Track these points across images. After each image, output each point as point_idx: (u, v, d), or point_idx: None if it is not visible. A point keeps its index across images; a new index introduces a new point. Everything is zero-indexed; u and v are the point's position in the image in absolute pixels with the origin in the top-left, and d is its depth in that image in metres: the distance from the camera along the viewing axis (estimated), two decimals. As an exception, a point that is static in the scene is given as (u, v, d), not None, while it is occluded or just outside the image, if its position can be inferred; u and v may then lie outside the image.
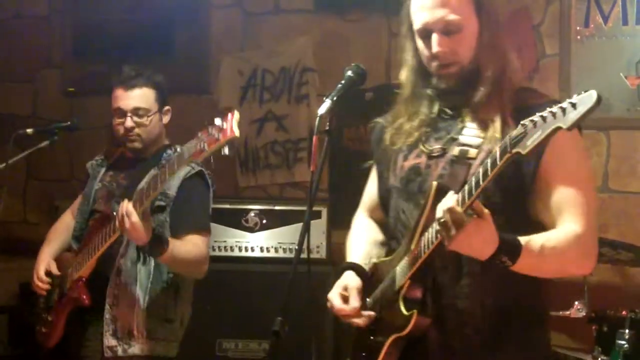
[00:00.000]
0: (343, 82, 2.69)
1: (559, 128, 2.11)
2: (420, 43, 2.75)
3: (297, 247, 2.73)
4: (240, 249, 5.54)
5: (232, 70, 6.44)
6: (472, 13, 2.70)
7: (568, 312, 4.21)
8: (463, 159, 2.66)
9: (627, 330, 4.02)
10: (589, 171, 2.77)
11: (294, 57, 6.18)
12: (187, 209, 4.08)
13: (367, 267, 2.98)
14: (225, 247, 5.53)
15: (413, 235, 2.70)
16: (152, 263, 4.05)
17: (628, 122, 5.42)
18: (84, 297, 4.05)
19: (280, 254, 5.49)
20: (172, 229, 4.04)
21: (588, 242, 2.63)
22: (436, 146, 2.78)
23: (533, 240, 2.50)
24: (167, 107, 4.25)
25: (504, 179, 2.48)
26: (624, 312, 4.07)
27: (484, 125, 2.68)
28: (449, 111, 2.81)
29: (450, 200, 2.39)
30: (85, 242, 4.13)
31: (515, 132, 2.23)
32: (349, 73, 2.72)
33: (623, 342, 4.06)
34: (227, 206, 5.57)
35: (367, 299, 2.90)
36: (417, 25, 2.73)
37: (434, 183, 2.65)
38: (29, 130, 4.66)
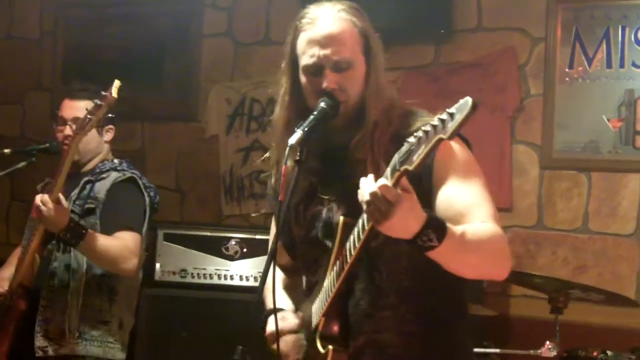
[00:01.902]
0: (315, 113, 2.62)
1: (440, 140, 2.11)
2: (305, 79, 2.71)
3: (261, 276, 2.68)
4: (219, 277, 5.51)
5: (220, 99, 6.46)
6: (361, 54, 2.70)
7: (539, 351, 4.20)
8: (354, 196, 2.55)
9: (598, 371, 4.03)
10: (481, 175, 2.69)
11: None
12: (115, 209, 4.20)
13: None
14: (204, 274, 5.50)
15: (325, 273, 2.68)
16: (85, 266, 4.15)
17: (610, 164, 5.44)
18: (20, 302, 4.16)
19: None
20: (102, 230, 4.14)
21: (504, 240, 2.57)
22: (330, 190, 2.76)
23: (455, 226, 2.40)
24: (110, 126, 4.36)
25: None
26: (595, 353, 4.07)
27: (372, 162, 2.63)
28: (335, 151, 2.76)
29: (378, 180, 2.30)
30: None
31: (402, 150, 2.23)
32: (322, 104, 2.64)
33: (593, 383, 4.08)
34: (208, 233, 5.58)
35: None
36: (305, 61, 2.68)
37: (342, 218, 2.64)
38: (7, 151, 4.73)
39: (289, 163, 2.59)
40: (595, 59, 5.48)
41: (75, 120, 4.15)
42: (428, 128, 2.16)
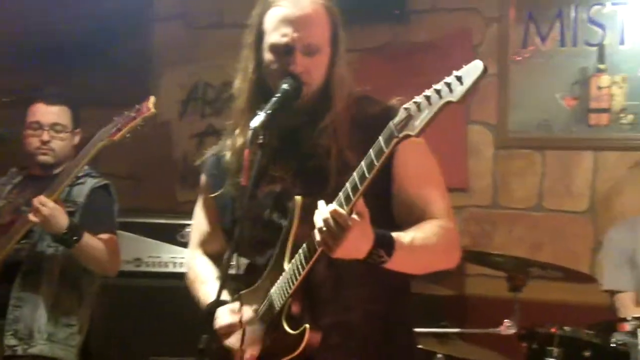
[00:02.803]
0: (278, 95, 2.58)
1: (448, 103, 2.09)
2: (270, 56, 2.67)
3: (224, 262, 2.65)
4: (174, 265, 5.44)
5: (173, 84, 6.43)
6: (329, 40, 2.68)
7: (498, 330, 4.21)
8: (318, 174, 2.63)
9: (555, 348, 4.04)
10: (438, 168, 2.73)
11: (237, 71, 6.14)
12: (96, 213, 4.26)
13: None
14: (159, 262, 5.44)
15: (283, 254, 2.64)
16: (58, 267, 4.17)
17: (564, 142, 5.49)
18: None
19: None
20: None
21: (453, 233, 2.64)
22: (285, 168, 2.73)
23: (402, 235, 2.47)
24: (78, 130, 4.41)
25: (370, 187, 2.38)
26: (553, 329, 4.07)
27: (324, 140, 2.65)
28: (291, 132, 2.75)
29: (330, 205, 2.32)
30: None
31: (398, 118, 2.20)
32: (285, 86, 2.60)
33: (552, 359, 4.10)
34: (163, 221, 5.51)
35: None
36: (274, 38, 2.64)
37: (298, 198, 2.61)
38: None
39: (251, 146, 2.55)
40: (548, 38, 5.51)
41: (54, 125, 4.26)
42: (429, 93, 2.13)
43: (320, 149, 2.65)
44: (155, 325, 5.23)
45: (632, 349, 3.92)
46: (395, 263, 2.45)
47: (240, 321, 2.67)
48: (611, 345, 4.00)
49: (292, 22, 2.63)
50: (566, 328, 4.06)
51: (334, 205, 2.31)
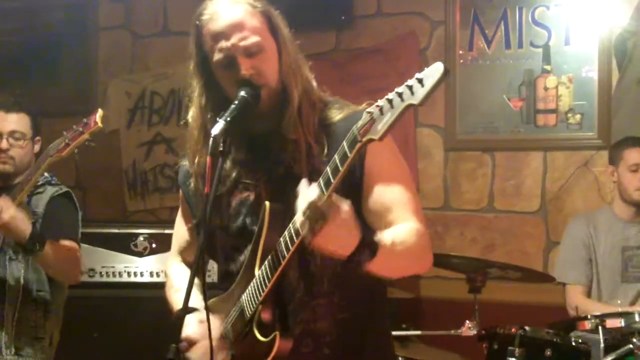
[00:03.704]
0: (236, 102, 2.56)
1: (410, 105, 2.08)
2: (222, 74, 2.66)
3: (191, 271, 2.58)
4: (129, 274, 5.38)
5: (119, 92, 6.38)
6: (268, 34, 2.65)
7: (460, 331, 4.23)
8: (289, 179, 2.59)
9: (516, 348, 4.07)
10: (407, 170, 2.73)
11: (183, 79, 6.11)
12: (56, 221, 4.17)
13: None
14: (113, 272, 5.38)
15: (253, 261, 2.63)
16: (22, 281, 4.10)
17: (512, 143, 5.55)
18: None
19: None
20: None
21: (427, 237, 2.62)
22: (257, 175, 2.72)
23: (383, 236, 2.44)
24: (38, 137, 4.33)
25: (341, 186, 2.36)
26: (513, 330, 4.10)
27: (297, 145, 2.63)
28: (260, 138, 2.74)
29: (312, 192, 2.29)
30: None
31: (361, 122, 2.19)
32: (242, 93, 2.58)
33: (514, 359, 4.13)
34: (115, 231, 5.46)
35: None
36: (216, 57, 2.62)
37: (267, 203, 2.60)
38: None
39: (213, 154, 2.54)
40: (494, 40, 5.58)
41: (13, 133, 4.18)
42: (392, 96, 2.12)
43: (288, 155, 2.64)
44: (110, 335, 5.18)
45: (593, 346, 3.98)
46: (376, 265, 2.41)
47: (210, 330, 2.64)
48: (572, 343, 4.06)
49: (223, 33, 2.61)
50: (527, 328, 4.10)
51: (316, 192, 2.28)
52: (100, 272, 5.33)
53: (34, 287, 4.15)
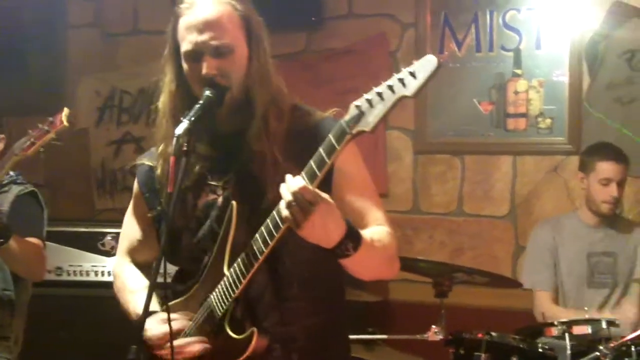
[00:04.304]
0: (201, 102, 2.56)
1: (403, 97, 2.11)
2: (187, 66, 2.66)
3: (153, 271, 2.58)
4: (96, 274, 5.39)
5: (89, 91, 6.35)
6: (243, 38, 2.66)
7: (426, 336, 4.22)
8: (255, 185, 2.62)
9: (483, 354, 4.07)
10: (369, 176, 2.76)
11: (153, 78, 6.08)
12: (21, 220, 4.14)
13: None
14: (80, 271, 5.38)
15: (220, 260, 2.62)
16: None
17: (482, 146, 5.55)
18: None
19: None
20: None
21: (396, 241, 2.65)
22: (224, 177, 2.71)
23: (364, 232, 2.46)
24: (2, 135, 4.31)
25: None
26: (480, 335, 4.10)
27: (262, 156, 2.63)
28: (224, 138, 2.74)
29: (298, 180, 2.30)
30: None
31: (349, 115, 2.20)
32: (207, 92, 2.59)
33: (479, 365, 4.13)
34: (83, 229, 5.46)
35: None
36: (185, 47, 2.63)
37: (234, 203, 2.60)
38: None
39: (177, 154, 2.52)
40: (464, 43, 5.57)
41: None
42: (381, 89, 2.14)
43: (254, 157, 2.64)
44: (76, 334, 5.19)
45: (560, 353, 3.98)
46: (356, 260, 2.42)
47: (170, 331, 2.62)
48: (539, 350, 4.06)
49: (197, 27, 2.61)
50: (493, 333, 4.10)
51: (302, 181, 2.29)
52: (68, 271, 5.35)
53: (0, 286, 4.14)
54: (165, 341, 2.64)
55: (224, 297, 2.60)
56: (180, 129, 2.49)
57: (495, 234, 5.50)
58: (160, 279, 2.58)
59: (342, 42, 5.82)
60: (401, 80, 2.11)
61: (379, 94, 2.14)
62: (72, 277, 5.35)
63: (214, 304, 2.64)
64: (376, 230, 2.58)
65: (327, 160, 2.27)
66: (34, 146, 3.85)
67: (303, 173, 2.31)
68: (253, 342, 2.54)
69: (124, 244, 3.07)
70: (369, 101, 2.16)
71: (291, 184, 2.29)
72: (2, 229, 3.89)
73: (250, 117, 2.66)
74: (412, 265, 4.39)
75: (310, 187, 2.28)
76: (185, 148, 2.49)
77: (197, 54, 2.62)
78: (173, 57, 2.71)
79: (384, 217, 2.67)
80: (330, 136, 2.26)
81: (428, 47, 5.61)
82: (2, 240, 3.89)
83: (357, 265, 2.48)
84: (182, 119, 2.53)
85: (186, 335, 2.69)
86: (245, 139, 2.66)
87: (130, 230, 3.02)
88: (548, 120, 5.37)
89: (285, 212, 2.31)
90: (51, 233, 5.06)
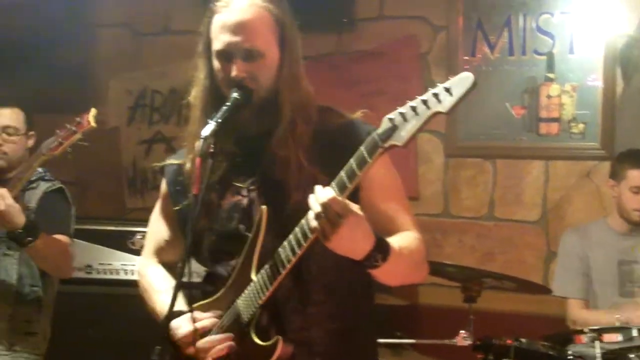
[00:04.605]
0: (228, 103, 2.58)
1: (437, 113, 2.12)
2: (217, 64, 2.67)
3: (178, 271, 2.58)
4: (125, 272, 5.40)
5: (120, 90, 6.38)
6: (275, 43, 2.66)
7: (454, 341, 4.20)
8: (279, 187, 2.62)
9: (511, 360, 4.06)
10: (400, 180, 2.76)
11: (184, 78, 6.09)
12: (49, 217, 4.16)
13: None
14: (110, 270, 5.39)
15: (248, 265, 2.62)
16: (15, 276, 4.12)
17: (514, 150, 5.51)
18: None
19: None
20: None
21: (424, 246, 2.65)
22: (249, 179, 2.72)
23: (391, 241, 2.46)
24: (32, 132, 4.35)
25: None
26: (508, 341, 4.07)
27: (287, 161, 2.63)
28: (248, 139, 2.74)
29: (328, 191, 2.30)
30: None
31: (381, 129, 2.20)
32: (234, 95, 2.60)
33: (508, 371, 4.10)
34: (113, 228, 5.47)
35: None
36: (217, 46, 2.64)
37: (264, 208, 2.60)
38: None
39: (202, 155, 2.53)
40: (497, 46, 5.53)
41: (6, 128, 4.21)
42: (415, 104, 2.14)
43: (279, 161, 2.64)
44: (106, 333, 5.18)
45: (589, 361, 3.96)
46: (384, 270, 2.42)
47: (195, 330, 2.63)
48: (568, 357, 4.03)
49: (231, 28, 2.62)
50: (522, 339, 4.08)
51: (331, 192, 2.29)
52: (98, 269, 5.36)
53: (28, 283, 4.17)
54: (193, 340, 2.65)
55: (250, 302, 2.60)
56: (207, 131, 2.51)
57: (526, 239, 5.45)
58: (184, 279, 2.59)
59: (373, 43, 5.80)
60: (436, 96, 2.11)
61: (413, 109, 2.14)
62: (101, 276, 5.36)
63: (241, 308, 2.64)
64: (404, 236, 2.57)
65: (358, 172, 2.27)
66: (61, 146, 3.93)
67: (333, 183, 2.31)
68: (278, 350, 2.54)
69: (150, 243, 3.08)
70: (403, 115, 2.16)
71: (320, 195, 2.29)
72: (30, 227, 3.91)
73: (276, 120, 2.66)
74: (440, 270, 4.37)
75: (339, 198, 2.27)
76: (211, 150, 2.51)
77: (228, 55, 2.63)
78: (206, 53, 2.71)
79: (413, 222, 2.67)
80: (362, 148, 2.25)
81: (460, 50, 5.59)
82: (30, 238, 3.91)
83: (385, 274, 2.48)
84: (209, 120, 2.55)
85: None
86: (270, 142, 2.66)
87: (157, 230, 3.03)
88: (581, 125, 5.33)
89: (313, 223, 2.31)
90: (81, 231, 5.11)
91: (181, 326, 2.69)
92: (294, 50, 2.70)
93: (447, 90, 2.10)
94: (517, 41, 5.49)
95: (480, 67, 5.55)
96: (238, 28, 2.61)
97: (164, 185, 2.97)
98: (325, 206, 2.26)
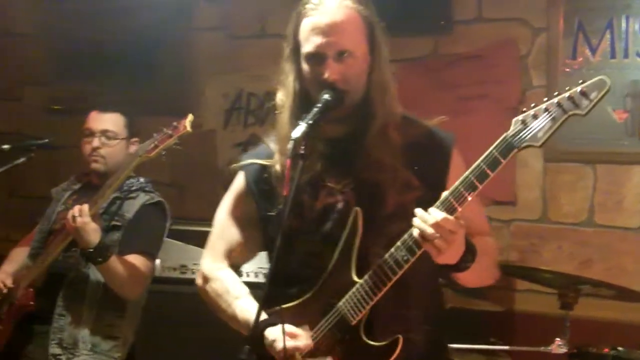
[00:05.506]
0: (319, 105, 2.59)
1: (574, 115, 2.26)
2: (306, 67, 2.68)
3: (267, 275, 2.60)
4: (219, 272, 5.42)
5: (216, 93, 6.43)
6: (366, 46, 2.67)
7: (549, 348, 4.14)
8: (374, 189, 2.65)
9: (608, 369, 3.98)
10: None
11: (279, 82, 6.13)
12: (138, 231, 4.27)
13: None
14: (200, 270, 5.42)
15: (347, 267, 2.63)
16: (102, 280, 4.19)
17: (615, 156, 5.38)
18: (31, 303, 4.20)
19: (260, 279, 5.37)
20: (120, 247, 4.20)
21: (497, 250, 2.79)
22: (343, 181, 2.72)
23: (475, 244, 2.54)
24: (135, 139, 4.43)
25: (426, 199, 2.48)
26: (605, 350, 4.01)
27: (380, 156, 2.66)
28: (338, 141, 2.75)
29: (437, 213, 2.38)
30: (40, 254, 4.26)
31: (512, 130, 2.31)
32: (326, 96, 2.61)
33: (604, 380, 4.02)
34: (208, 229, 5.47)
35: None
36: (307, 48, 2.65)
37: (358, 209, 2.63)
38: (5, 147, 4.69)
39: (293, 157, 2.52)
40: (598, 49, 5.41)
41: (105, 132, 4.32)
42: (549, 106, 2.27)
43: (374, 164, 2.66)
44: (198, 332, 5.18)
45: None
46: (470, 271, 2.52)
47: (284, 334, 2.62)
48: (667, 367, 3.93)
49: (322, 30, 2.63)
50: (619, 348, 4.02)
51: (442, 213, 2.38)
52: (192, 269, 5.37)
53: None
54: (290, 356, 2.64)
55: (358, 304, 2.61)
56: (297, 132, 2.52)
57: (626, 246, 5.31)
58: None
59: (470, 46, 5.72)
60: (571, 99, 2.25)
61: (547, 110, 2.26)
62: (195, 276, 5.37)
63: (346, 310, 2.63)
64: (482, 241, 2.63)
65: (490, 173, 2.35)
66: (157, 149, 4.03)
67: (451, 197, 2.40)
68: (398, 349, 2.58)
69: (219, 245, 3.09)
70: (535, 117, 2.27)
71: (429, 218, 2.38)
72: (102, 248, 4.02)
73: (365, 122, 2.67)
74: (537, 276, 4.31)
75: (450, 217, 2.36)
76: (302, 152, 2.50)
77: (319, 57, 2.64)
78: (294, 56, 2.73)
79: (487, 223, 2.79)
80: (494, 151, 2.34)
81: (560, 52, 5.48)
82: (100, 259, 4.01)
83: (467, 276, 2.55)
84: (299, 122, 2.55)
85: (314, 339, 2.69)
86: (361, 144, 2.67)
87: (228, 231, 3.05)
88: (685, 132, 5.19)
89: (427, 245, 2.40)
90: (177, 232, 5.17)
91: (279, 339, 2.64)
92: (383, 52, 2.73)
93: (583, 93, 2.24)
94: (619, 44, 5.35)
95: (582, 70, 5.42)
96: (330, 29, 2.62)
97: (242, 184, 2.96)
98: (438, 226, 2.35)
